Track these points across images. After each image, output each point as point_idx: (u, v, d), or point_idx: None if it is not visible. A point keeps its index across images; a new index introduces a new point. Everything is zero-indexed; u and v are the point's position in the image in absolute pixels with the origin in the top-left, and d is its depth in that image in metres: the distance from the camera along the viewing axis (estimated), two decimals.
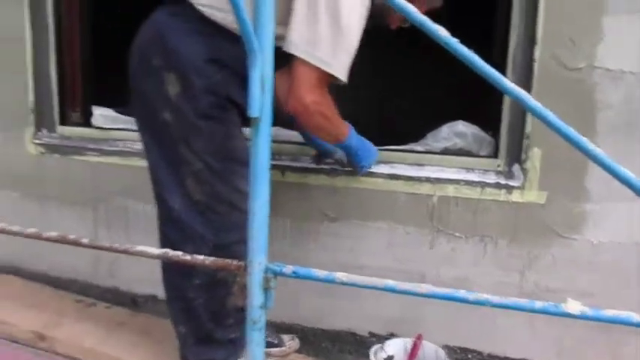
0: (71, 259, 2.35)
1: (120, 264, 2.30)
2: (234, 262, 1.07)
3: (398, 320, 1.93)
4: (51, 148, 2.36)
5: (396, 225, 1.89)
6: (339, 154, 1.76)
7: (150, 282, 2.01)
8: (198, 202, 1.52)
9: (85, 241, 1.16)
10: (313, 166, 1.94)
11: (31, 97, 2.35)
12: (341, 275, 0.99)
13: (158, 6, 1.54)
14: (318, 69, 1.38)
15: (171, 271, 1.60)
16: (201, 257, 1.10)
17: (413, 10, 0.88)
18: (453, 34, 0.87)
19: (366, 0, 1.42)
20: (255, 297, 1.00)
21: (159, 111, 1.48)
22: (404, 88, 3.51)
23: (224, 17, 1.43)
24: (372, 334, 1.98)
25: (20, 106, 2.36)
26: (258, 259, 1.00)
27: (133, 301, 2.30)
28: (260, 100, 0.93)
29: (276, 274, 1.01)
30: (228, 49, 1.42)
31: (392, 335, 1.92)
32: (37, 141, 2.37)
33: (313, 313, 2.03)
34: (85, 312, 2.17)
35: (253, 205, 0.98)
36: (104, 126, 2.33)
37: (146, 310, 2.22)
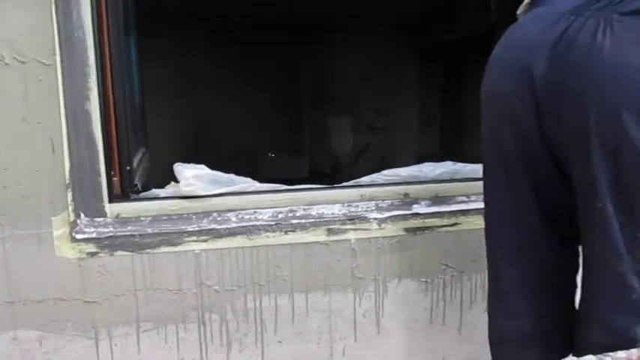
0: None
1: None
2: None
3: None
4: (108, 244, 1.38)
5: None
6: None
7: None
8: None
9: None
10: None
11: (66, 161, 1.35)
12: None
13: None
14: None
15: None
16: None
17: None
18: None
19: None
20: None
21: None
22: None
23: None
24: None
25: (44, 179, 1.34)
26: None
27: None
28: None
29: None
30: None
31: None
32: (81, 235, 1.37)
33: None
34: None
35: None
36: (202, 192, 1.44)
37: None
